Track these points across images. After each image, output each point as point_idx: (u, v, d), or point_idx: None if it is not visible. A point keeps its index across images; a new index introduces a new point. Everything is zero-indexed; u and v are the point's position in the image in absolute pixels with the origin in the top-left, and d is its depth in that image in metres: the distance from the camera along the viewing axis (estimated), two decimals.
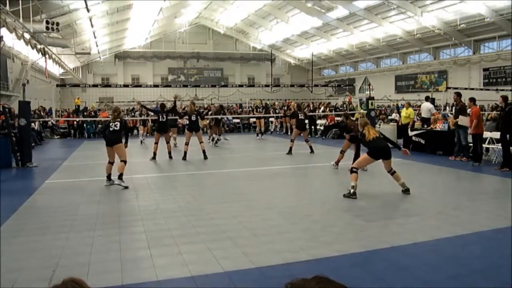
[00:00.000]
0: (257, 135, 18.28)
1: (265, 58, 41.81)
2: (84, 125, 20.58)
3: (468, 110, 10.25)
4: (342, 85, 35.66)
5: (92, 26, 24.79)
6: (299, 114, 12.50)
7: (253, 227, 4.91)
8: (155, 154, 11.22)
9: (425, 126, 12.96)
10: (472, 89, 22.00)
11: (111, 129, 7.70)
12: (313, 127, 19.80)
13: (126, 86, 27.93)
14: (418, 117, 15.37)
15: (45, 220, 5.38)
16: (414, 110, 16.60)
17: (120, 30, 31.88)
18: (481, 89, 23.39)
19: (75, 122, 20.82)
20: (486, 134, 10.31)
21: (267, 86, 31.14)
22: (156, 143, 11.43)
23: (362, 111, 18.67)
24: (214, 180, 8.63)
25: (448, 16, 25.85)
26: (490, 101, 23.48)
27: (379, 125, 15.48)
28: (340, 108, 25.50)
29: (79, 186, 7.75)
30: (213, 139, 15.33)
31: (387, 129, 13.97)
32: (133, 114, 22.25)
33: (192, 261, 3.85)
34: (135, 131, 20.57)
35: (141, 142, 16.24)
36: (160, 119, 11.72)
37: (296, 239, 4.49)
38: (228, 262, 3.82)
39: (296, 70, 45.44)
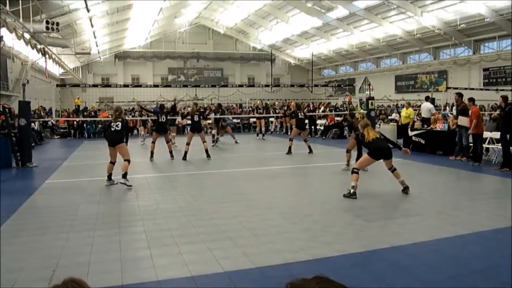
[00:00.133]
0: (257, 135, 18.27)
1: (265, 58, 41.81)
2: (84, 125, 20.58)
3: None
4: (342, 85, 35.67)
5: (92, 26, 24.79)
6: (299, 114, 12.51)
7: (253, 227, 4.91)
8: (152, 153, 11.25)
9: (425, 126, 12.96)
10: (472, 89, 22.00)
11: (112, 129, 7.70)
12: (313, 127, 19.81)
13: (126, 86, 27.93)
14: (418, 117, 15.37)
15: (45, 220, 5.38)
16: (414, 110, 16.60)
17: (120, 30, 31.88)
18: (481, 89, 23.39)
19: (75, 122, 20.82)
20: (486, 134, 10.31)
21: (267, 86, 31.14)
22: (153, 142, 11.46)
23: (362, 111, 18.67)
24: (214, 180, 8.63)
25: (448, 16, 25.85)
26: (490, 101, 23.49)
27: (379, 125, 15.50)
28: (340, 108, 25.51)
29: (79, 186, 7.75)
30: (216, 140, 15.31)
31: (387, 129, 13.99)
32: (133, 114, 22.25)
33: (192, 261, 3.85)
34: (135, 131, 20.57)
35: (142, 142, 16.24)
36: (160, 120, 11.75)
37: (296, 239, 4.49)
38: (228, 262, 3.82)
39: (296, 70, 45.44)
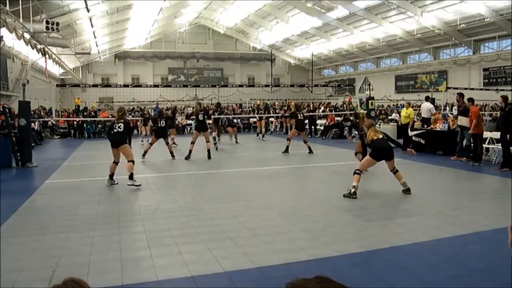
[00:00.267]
0: (257, 135, 18.26)
1: (265, 58, 41.81)
2: (84, 125, 20.59)
3: None
4: (342, 85, 35.66)
5: (92, 26, 24.79)
6: (298, 115, 12.48)
7: (253, 227, 4.91)
8: (145, 152, 11.31)
9: (425, 126, 12.96)
10: (472, 89, 22.01)
11: (115, 130, 7.68)
12: (313, 127, 19.81)
13: (126, 86, 27.96)
14: (418, 117, 15.37)
15: (45, 220, 5.38)
16: (414, 110, 16.61)
17: (120, 30, 31.88)
18: (481, 89, 23.40)
19: (75, 122, 20.83)
20: (486, 134, 10.31)
21: (267, 86, 31.15)
22: (151, 144, 11.52)
23: (362, 111, 18.66)
24: (214, 180, 8.63)
25: (448, 16, 25.85)
26: (490, 101, 23.49)
27: (379, 125, 15.49)
28: (340, 108, 25.51)
29: (79, 186, 7.75)
30: (217, 141, 15.30)
31: (387, 129, 13.97)
32: (133, 114, 22.27)
33: (192, 261, 3.85)
34: (135, 131, 20.56)
35: (142, 143, 16.22)
36: (159, 125, 11.80)
37: (296, 239, 4.49)
38: (228, 262, 3.82)
39: (296, 70, 45.44)
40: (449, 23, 26.28)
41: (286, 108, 21.02)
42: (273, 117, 21.97)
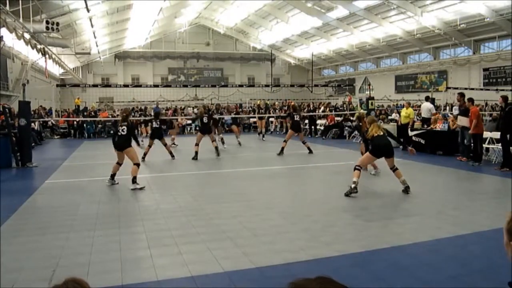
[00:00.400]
0: (258, 134, 18.26)
1: (265, 58, 41.79)
2: (84, 125, 20.59)
3: None
4: (342, 85, 35.65)
5: (92, 26, 24.77)
6: (295, 116, 12.42)
7: (253, 227, 4.91)
8: (145, 154, 11.23)
9: (425, 126, 12.96)
10: (472, 89, 22.00)
11: (118, 133, 7.64)
12: (313, 127, 19.81)
13: (126, 86, 27.94)
14: (418, 117, 15.37)
15: (45, 220, 5.38)
16: (414, 110, 16.60)
17: (120, 30, 31.86)
18: (481, 89, 23.39)
19: (75, 122, 20.83)
20: (486, 134, 10.31)
21: (267, 86, 31.12)
22: (150, 146, 11.50)
23: (362, 111, 18.66)
24: (214, 180, 8.63)
25: (448, 16, 25.84)
26: (490, 101, 23.49)
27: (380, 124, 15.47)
28: (340, 108, 25.51)
29: (79, 186, 7.75)
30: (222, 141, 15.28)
31: (387, 129, 13.97)
32: (133, 114, 22.27)
33: (192, 261, 3.85)
34: (135, 131, 20.57)
35: (142, 141, 16.20)
36: (154, 125, 11.66)
37: (296, 239, 4.49)
38: (228, 262, 3.82)
39: (296, 70, 45.43)
40: (449, 23, 26.28)
41: (286, 108, 21.04)
42: (273, 117, 21.97)
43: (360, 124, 9.09)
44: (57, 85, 27.85)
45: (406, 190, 6.59)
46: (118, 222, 5.23)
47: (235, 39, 42.59)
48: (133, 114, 22.37)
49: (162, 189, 7.46)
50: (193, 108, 27.00)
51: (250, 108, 26.35)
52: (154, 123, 11.73)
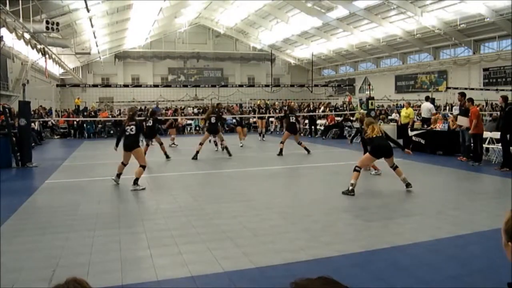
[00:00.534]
0: (259, 135, 18.26)
1: (265, 58, 41.79)
2: (84, 125, 20.59)
3: None
4: (342, 85, 35.66)
5: (92, 26, 24.77)
6: (291, 117, 12.38)
7: (253, 227, 4.91)
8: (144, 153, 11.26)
9: (425, 126, 12.96)
10: (472, 89, 21.99)
11: (127, 133, 7.50)
12: (313, 127, 19.81)
13: (126, 86, 27.95)
14: (418, 117, 15.37)
15: (45, 220, 5.38)
16: (414, 110, 16.60)
17: (120, 30, 31.87)
18: (481, 89, 23.39)
19: (75, 122, 20.83)
20: (486, 134, 10.31)
21: (267, 86, 31.10)
22: (148, 145, 11.52)
23: (362, 111, 18.67)
24: (214, 180, 8.63)
25: (448, 16, 25.85)
26: (490, 101, 23.49)
27: (379, 125, 15.48)
28: (340, 108, 25.50)
29: (79, 186, 7.74)
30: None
31: (387, 129, 13.90)
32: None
33: (192, 261, 3.85)
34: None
35: (142, 141, 16.20)
36: (147, 124, 11.40)
37: (296, 239, 4.48)
38: (228, 262, 3.81)
39: (296, 70, 45.43)
40: (449, 23, 26.27)
41: (286, 108, 21.03)
42: (273, 117, 21.97)
43: (363, 127, 9.02)
44: (57, 85, 27.85)
45: (408, 187, 6.69)
46: (118, 222, 5.23)
47: (235, 39, 42.59)
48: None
49: (162, 189, 7.46)
50: (193, 108, 27.01)
51: (250, 108, 26.35)
52: (147, 121, 11.48)
